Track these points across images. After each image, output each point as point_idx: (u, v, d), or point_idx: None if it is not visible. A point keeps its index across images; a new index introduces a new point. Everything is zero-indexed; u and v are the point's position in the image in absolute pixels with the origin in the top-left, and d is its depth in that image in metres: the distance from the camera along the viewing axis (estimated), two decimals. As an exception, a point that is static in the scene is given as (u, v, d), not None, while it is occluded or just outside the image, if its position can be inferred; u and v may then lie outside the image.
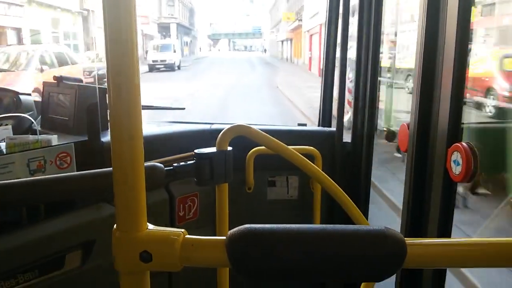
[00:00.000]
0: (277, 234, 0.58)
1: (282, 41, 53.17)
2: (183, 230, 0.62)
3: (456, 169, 1.19)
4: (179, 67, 29.92)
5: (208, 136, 1.93)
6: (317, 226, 0.60)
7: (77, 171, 1.50)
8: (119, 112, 0.58)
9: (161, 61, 27.48)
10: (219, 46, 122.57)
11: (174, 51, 29.27)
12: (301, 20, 33.70)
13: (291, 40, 42.99)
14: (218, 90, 17.13)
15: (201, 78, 22.96)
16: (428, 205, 1.33)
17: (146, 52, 30.80)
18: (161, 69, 27.23)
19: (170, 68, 27.57)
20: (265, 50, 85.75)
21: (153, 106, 2.41)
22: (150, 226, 0.62)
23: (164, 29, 53.29)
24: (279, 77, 23.21)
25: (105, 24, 0.55)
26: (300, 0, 37.16)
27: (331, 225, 0.59)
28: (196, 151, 1.25)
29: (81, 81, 1.81)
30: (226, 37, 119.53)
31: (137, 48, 0.58)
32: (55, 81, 1.82)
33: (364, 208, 2.03)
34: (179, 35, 52.63)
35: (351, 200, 1.30)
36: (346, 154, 2.12)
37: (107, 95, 0.60)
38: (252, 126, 1.28)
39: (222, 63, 43.37)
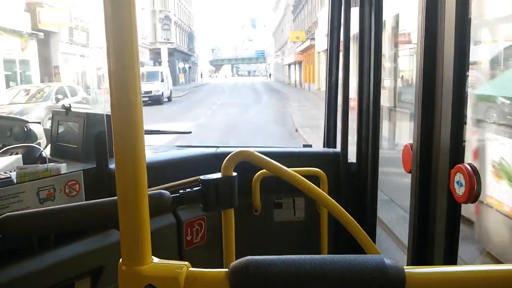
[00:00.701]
0: (277, 265, 0.59)
1: (289, 65, 47.98)
2: (186, 263, 0.63)
3: (460, 190, 1.17)
4: (169, 99, 26.07)
5: (213, 160, 1.93)
6: (317, 256, 0.61)
7: (86, 198, 1.52)
8: (122, 139, 0.59)
9: (145, 92, 21.99)
10: (222, 72, 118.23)
11: (162, 80, 23.79)
12: (313, 39, 28.19)
13: (300, 63, 37.63)
14: (211, 135, 11.61)
15: (193, 114, 18.06)
16: (433, 227, 1.30)
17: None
18: (147, 102, 21.94)
19: (156, 101, 22.81)
20: (269, 75, 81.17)
21: (159, 131, 2.42)
22: (155, 260, 0.63)
23: (158, 55, 48.17)
24: (293, 111, 17.54)
25: (109, 55, 0.57)
26: (311, 17, 31.73)
27: (330, 256, 0.60)
28: (201, 177, 1.25)
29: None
30: (228, 63, 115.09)
31: (139, 76, 0.59)
32: (64, 110, 1.84)
33: (371, 229, 1.99)
34: (176, 60, 47.51)
35: (356, 223, 1.29)
36: (351, 174, 2.12)
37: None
38: (256, 151, 1.29)
39: (222, 91, 38.13)
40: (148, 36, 49.83)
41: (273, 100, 25.88)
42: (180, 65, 43.82)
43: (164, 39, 50.77)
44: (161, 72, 24.92)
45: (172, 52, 48.93)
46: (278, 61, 60.32)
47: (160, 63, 44.39)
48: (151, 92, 22.39)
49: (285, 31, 54.23)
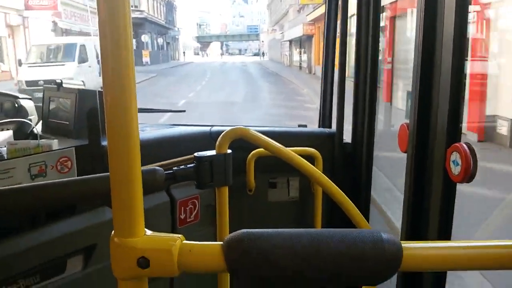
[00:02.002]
0: (273, 238, 0.59)
1: (291, 41, 36.75)
2: (180, 235, 0.62)
3: (456, 170, 1.18)
4: (99, 92, 13.94)
5: (208, 139, 1.94)
6: (313, 230, 0.61)
7: (78, 175, 1.50)
8: (115, 115, 0.58)
9: (45, 82, 10.94)
10: (210, 49, 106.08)
11: (82, 61, 12.89)
12: None
13: (309, 37, 26.52)
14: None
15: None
16: (428, 205, 1.31)
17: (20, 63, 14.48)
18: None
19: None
20: (263, 54, 69.48)
21: (152, 109, 2.40)
22: (148, 232, 0.62)
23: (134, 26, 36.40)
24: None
25: (101, 29, 0.56)
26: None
27: (327, 229, 0.60)
28: (196, 154, 1.25)
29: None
30: (217, 40, 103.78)
31: (132, 52, 0.59)
32: (55, 85, 1.82)
33: (365, 209, 2.00)
34: (148, 33, 36.02)
35: (351, 202, 1.31)
36: (346, 155, 2.12)
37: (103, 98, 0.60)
38: (252, 129, 1.29)
39: (202, 76, 27.07)
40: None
41: (278, 96, 16.54)
42: (144, 38, 32.55)
43: (133, 6, 38.91)
44: (81, 47, 13.98)
45: (141, 23, 38.33)
46: (275, 37, 49.22)
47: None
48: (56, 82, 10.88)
49: (284, -1, 42.96)
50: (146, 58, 31.73)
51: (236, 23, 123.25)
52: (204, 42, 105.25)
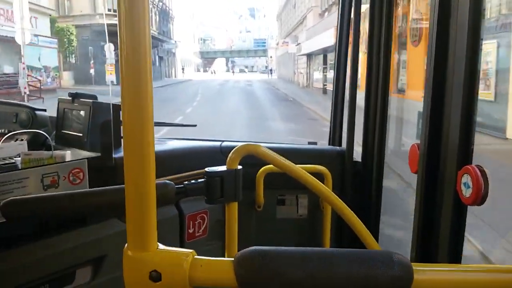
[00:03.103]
0: (284, 256, 0.59)
1: (310, 55, 27.94)
2: (192, 250, 0.63)
3: (467, 192, 1.16)
4: None
5: (218, 154, 1.96)
6: (324, 249, 0.62)
7: (89, 186, 1.53)
8: (133, 129, 0.60)
9: None
10: (215, 66, 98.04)
11: None
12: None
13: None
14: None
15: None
16: (438, 228, 1.30)
17: None
18: None
19: None
20: (270, 71, 61.12)
21: (165, 123, 2.42)
22: (161, 246, 0.64)
23: (99, 35, 28.34)
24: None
25: (121, 43, 0.58)
26: None
27: (338, 249, 0.61)
28: (206, 169, 1.25)
29: (96, 97, 1.81)
30: (222, 56, 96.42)
31: (150, 66, 0.60)
32: (70, 97, 1.84)
33: (374, 228, 1.99)
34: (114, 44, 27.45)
35: (360, 222, 1.29)
36: (356, 173, 2.11)
37: (121, 112, 0.61)
38: (262, 145, 1.28)
39: (186, 103, 17.78)
40: (85, 7, 29.73)
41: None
42: (109, 48, 24.04)
43: (110, 10, 31.02)
44: None
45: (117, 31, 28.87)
46: (287, 51, 40.71)
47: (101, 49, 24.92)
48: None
49: (298, 5, 34.37)
50: (110, 76, 23.07)
51: (243, 39, 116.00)
52: (208, 58, 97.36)
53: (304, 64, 32.07)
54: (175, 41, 51.99)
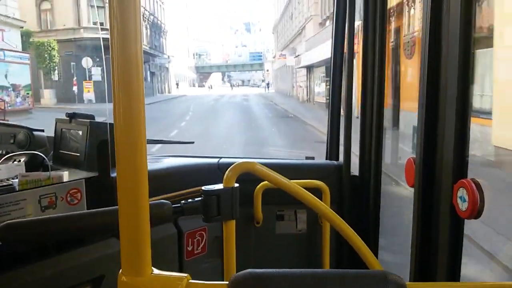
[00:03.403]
0: (278, 279, 0.59)
1: (310, 67, 25.83)
2: (186, 274, 0.63)
3: (463, 206, 1.17)
4: None
5: (215, 171, 1.96)
6: (317, 270, 0.62)
7: (87, 207, 1.53)
8: (124, 149, 0.59)
9: None
10: (212, 81, 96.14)
11: None
12: None
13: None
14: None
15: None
16: (437, 242, 1.30)
17: None
18: None
19: None
20: (267, 85, 59.15)
21: (161, 140, 2.43)
22: (155, 271, 0.63)
23: (84, 50, 27.30)
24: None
25: (113, 63, 0.58)
26: None
27: (331, 270, 0.63)
28: (203, 188, 1.24)
29: (93, 117, 1.82)
30: (218, 70, 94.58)
31: (142, 85, 0.60)
32: (67, 118, 1.85)
33: (374, 242, 1.98)
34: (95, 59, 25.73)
35: (358, 237, 1.30)
36: (354, 187, 2.11)
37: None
38: (259, 161, 1.29)
39: (172, 125, 15.11)
40: (69, 18, 27.96)
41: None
42: (87, 63, 21.49)
43: (95, 23, 29.20)
44: None
45: (109, 45, 26.39)
46: (285, 64, 38.61)
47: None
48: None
49: (296, 15, 32.41)
50: (88, 94, 20.59)
51: (239, 53, 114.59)
52: (203, 72, 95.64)
53: (304, 77, 29.97)
54: (168, 56, 49.95)
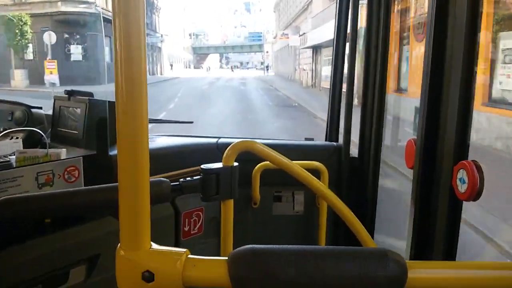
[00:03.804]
0: (278, 254, 0.59)
1: (317, 48, 22.57)
2: (185, 250, 0.63)
3: (462, 187, 1.17)
4: None
5: (214, 150, 1.95)
6: (318, 247, 0.62)
7: (85, 184, 1.52)
8: (126, 126, 0.59)
9: None
10: (209, 62, 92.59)
11: None
12: None
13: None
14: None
15: None
16: (434, 223, 1.31)
17: None
18: None
19: None
20: (267, 67, 55.74)
21: (161, 120, 2.46)
22: (154, 245, 0.63)
23: (63, 25, 25.22)
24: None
25: (116, 40, 0.58)
26: None
27: (331, 247, 0.62)
28: (202, 166, 1.24)
29: (92, 95, 1.79)
30: (215, 52, 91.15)
31: (145, 63, 0.60)
32: (66, 95, 1.83)
33: (370, 224, 1.99)
34: (63, 35, 22.67)
35: (356, 218, 1.30)
36: (353, 168, 2.10)
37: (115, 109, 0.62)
38: (258, 142, 1.28)
39: (156, 112, 11.89)
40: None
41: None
42: (49, 38, 17.94)
43: (74, -5, 25.91)
44: None
45: (92, 21, 25.36)
46: (287, 45, 35.23)
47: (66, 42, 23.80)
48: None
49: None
50: (51, 76, 16.99)
51: (238, 34, 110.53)
52: (200, 54, 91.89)
53: (309, 59, 26.67)
54: (161, 35, 46.43)
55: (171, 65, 54.11)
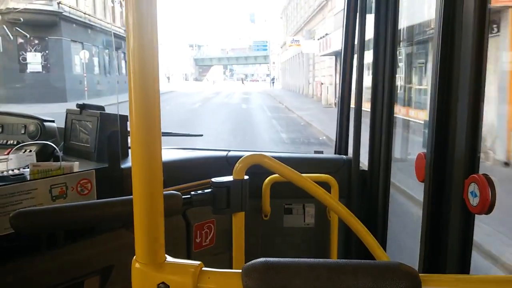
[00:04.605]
0: (292, 267, 0.59)
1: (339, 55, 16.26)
2: (199, 262, 0.64)
3: (474, 201, 1.16)
4: None
5: (224, 163, 1.96)
6: (331, 261, 0.62)
7: (97, 197, 1.54)
8: (141, 139, 0.60)
9: None
10: (211, 75, 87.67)
11: None
12: None
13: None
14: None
15: None
16: (446, 237, 1.30)
17: None
18: None
19: None
20: (272, 80, 53.50)
21: (171, 133, 2.41)
22: (168, 258, 0.64)
23: (15, 26, 18.70)
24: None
25: (129, 55, 0.59)
26: None
27: (345, 260, 0.61)
28: (213, 179, 1.26)
29: (103, 108, 1.81)
30: (218, 63, 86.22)
31: (158, 77, 0.61)
32: (78, 109, 1.86)
33: (382, 237, 1.97)
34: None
35: (367, 230, 1.29)
36: (363, 181, 2.10)
37: (128, 122, 0.63)
38: (268, 155, 1.28)
39: None
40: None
41: None
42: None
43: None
44: None
45: (53, 22, 19.78)
46: (296, 54, 29.43)
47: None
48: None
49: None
50: None
51: (242, 45, 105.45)
52: (203, 65, 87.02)
53: (330, 69, 20.78)
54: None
55: (168, 78, 48.91)
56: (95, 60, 24.13)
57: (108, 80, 24.36)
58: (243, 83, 61.14)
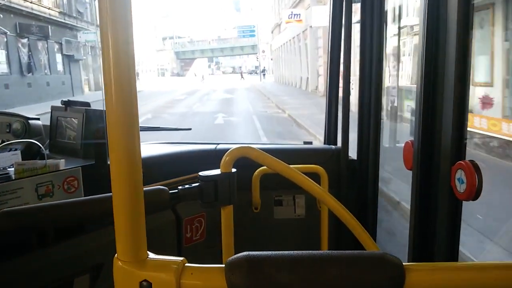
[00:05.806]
0: (275, 260, 0.60)
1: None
2: (182, 258, 0.63)
3: (461, 187, 1.17)
4: None
5: (213, 157, 1.90)
6: (315, 252, 0.62)
7: (84, 194, 1.54)
8: (118, 135, 0.60)
9: None
10: (195, 69, 79.51)
11: None
12: None
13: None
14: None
15: None
16: (435, 224, 1.32)
17: None
18: None
19: None
20: (263, 72, 46.12)
21: (158, 127, 2.38)
22: (151, 255, 0.64)
23: None
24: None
25: (104, 48, 0.58)
26: None
27: (329, 252, 0.61)
28: (200, 173, 1.25)
29: (88, 105, 1.80)
30: (202, 56, 77.12)
31: (134, 71, 0.60)
32: (63, 105, 1.84)
33: (372, 226, 2.00)
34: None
35: (356, 220, 1.30)
36: (352, 171, 2.11)
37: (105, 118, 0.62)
38: (257, 147, 1.28)
39: None
40: None
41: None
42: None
43: None
44: None
45: None
46: (296, 34, 22.07)
47: None
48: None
49: None
50: None
51: (227, 35, 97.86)
52: (185, 59, 79.17)
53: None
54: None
55: (137, 74, 41.46)
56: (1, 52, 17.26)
57: (28, 81, 18.19)
58: (242, 77, 53.50)
